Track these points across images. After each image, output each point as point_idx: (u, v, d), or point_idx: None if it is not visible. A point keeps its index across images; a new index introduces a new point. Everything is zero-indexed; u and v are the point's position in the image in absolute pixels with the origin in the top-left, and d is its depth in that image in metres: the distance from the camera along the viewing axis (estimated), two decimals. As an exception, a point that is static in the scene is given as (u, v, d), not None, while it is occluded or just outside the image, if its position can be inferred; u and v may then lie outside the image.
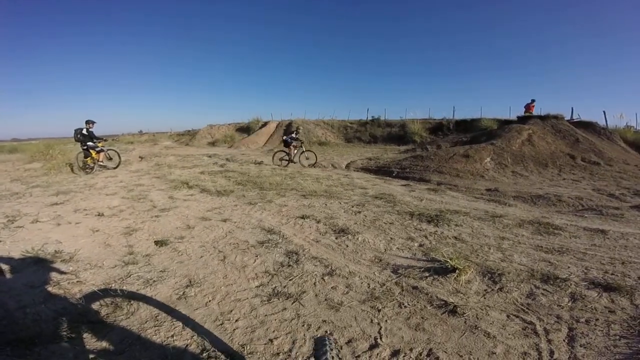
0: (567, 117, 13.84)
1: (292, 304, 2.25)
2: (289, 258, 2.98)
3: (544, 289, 2.46)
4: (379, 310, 2.15)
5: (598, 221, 4.68)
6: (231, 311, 2.18)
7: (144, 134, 31.44)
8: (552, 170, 9.42)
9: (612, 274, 2.71)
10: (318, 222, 4.11)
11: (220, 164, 10.72)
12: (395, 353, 1.76)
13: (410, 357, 1.73)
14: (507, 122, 14.10)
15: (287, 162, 10.67)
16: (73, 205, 5.15)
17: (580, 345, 1.84)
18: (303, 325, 2.01)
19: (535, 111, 14.59)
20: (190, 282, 2.60)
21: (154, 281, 2.61)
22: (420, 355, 1.75)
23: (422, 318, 2.09)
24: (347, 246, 3.27)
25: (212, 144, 21.97)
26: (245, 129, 23.87)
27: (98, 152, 8.91)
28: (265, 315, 2.12)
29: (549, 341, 1.88)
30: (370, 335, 1.91)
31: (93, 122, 8.74)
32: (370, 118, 22.02)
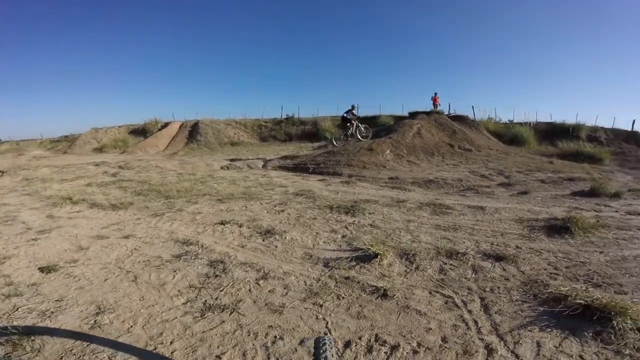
0: (446, 113, 16.54)
1: (230, 315, 2.14)
2: (214, 268, 2.82)
3: (450, 264, 2.87)
4: (321, 306, 2.22)
5: (477, 199, 5.72)
6: (161, 334, 1.96)
7: (2, 142, 24.93)
8: (438, 157, 11.09)
9: (497, 245, 3.31)
10: (240, 226, 3.97)
11: (111, 174, 9.28)
12: (348, 344, 1.83)
13: (362, 346, 1.82)
14: (401, 118, 16.01)
15: (347, 137, 11.96)
16: None
17: (495, 313, 2.16)
18: (249, 335, 1.94)
19: (422, 107, 16.91)
20: (99, 308, 2.25)
21: (52, 312, 2.19)
22: (370, 342, 1.86)
23: (361, 306, 2.22)
24: (276, 247, 3.27)
25: (99, 150, 18.81)
26: (141, 132, 21.15)
27: None
28: (204, 332, 1.97)
29: (470, 312, 2.17)
30: (319, 332, 1.95)
31: None
32: (284, 116, 22.15)
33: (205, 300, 2.32)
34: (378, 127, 15.40)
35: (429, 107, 16.85)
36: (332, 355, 1.06)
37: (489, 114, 19.24)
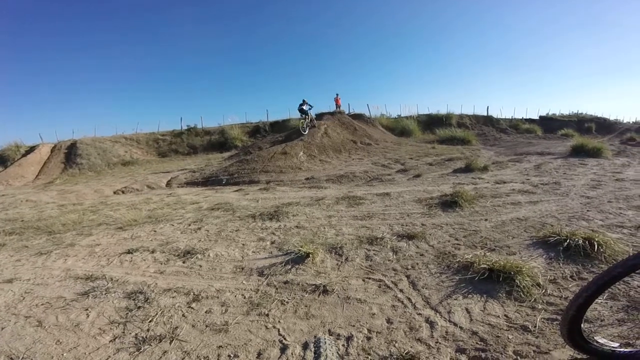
0: (347, 112, 17.90)
1: (171, 343, 1.93)
2: (134, 300, 2.48)
3: (373, 250, 3.11)
4: (267, 315, 2.15)
5: (382, 187, 6.36)
6: (101, 375, 1.66)
7: None
8: (345, 154, 11.91)
9: (406, 226, 3.73)
10: (152, 252, 3.56)
11: (-39, 216, 7.17)
12: (306, 346, 1.82)
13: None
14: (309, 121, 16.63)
15: (309, 125, 13.83)
16: None
17: (422, 287, 2.39)
18: (200, 360, 1.77)
19: (325, 108, 17.84)
20: (11, 358, 1.90)
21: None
22: (315, 342, 1.87)
23: (306, 306, 2.24)
24: (201, 266, 3.03)
25: None
26: (-2, 160, 16.77)
27: None
28: (148, 367, 1.74)
29: (401, 291, 2.37)
30: (274, 340, 1.89)
31: None
32: (185, 127, 20.48)
33: (136, 334, 2.04)
34: (289, 130, 15.69)
35: (332, 107, 17.89)
36: (333, 353, 1.07)
37: (381, 110, 21.65)
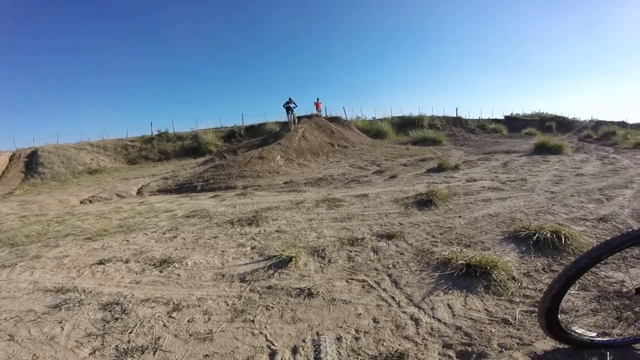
0: (324, 115, 18.07)
1: (155, 354, 1.85)
2: (111, 311, 2.36)
3: (355, 251, 3.13)
4: (253, 321, 2.11)
5: (360, 188, 6.44)
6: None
7: None
8: (323, 157, 11.97)
9: (385, 226, 3.79)
10: (126, 262, 3.39)
11: None
12: (295, 350, 1.79)
13: (309, 347, 1.80)
14: (286, 124, 16.60)
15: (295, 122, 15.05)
16: None
17: (404, 285, 2.41)
18: (186, 372, 1.70)
19: (302, 112, 17.91)
20: None
21: None
22: (315, 341, 1.85)
23: (292, 310, 2.20)
24: (179, 275, 2.92)
25: None
26: (-56, 171, 15.40)
27: None
28: (131, 380, 1.65)
29: (385, 290, 2.38)
30: (262, 347, 1.85)
31: None
32: (156, 133, 19.76)
33: (117, 346, 1.94)
34: (266, 135, 15.63)
35: (309, 111, 18.04)
36: (333, 351, 1.06)
37: (357, 113, 22.07)
